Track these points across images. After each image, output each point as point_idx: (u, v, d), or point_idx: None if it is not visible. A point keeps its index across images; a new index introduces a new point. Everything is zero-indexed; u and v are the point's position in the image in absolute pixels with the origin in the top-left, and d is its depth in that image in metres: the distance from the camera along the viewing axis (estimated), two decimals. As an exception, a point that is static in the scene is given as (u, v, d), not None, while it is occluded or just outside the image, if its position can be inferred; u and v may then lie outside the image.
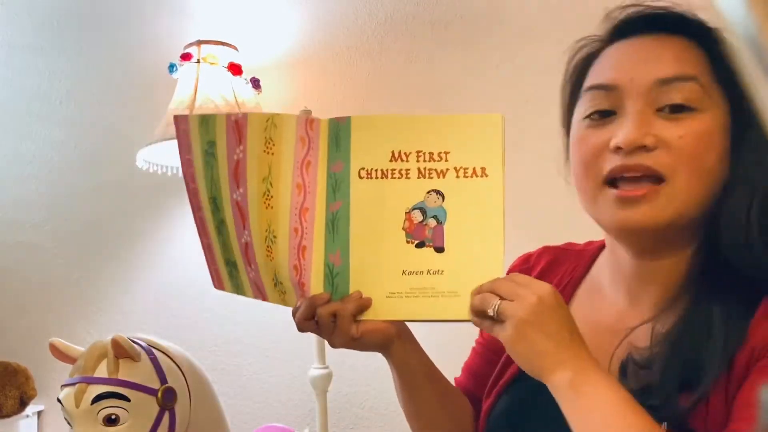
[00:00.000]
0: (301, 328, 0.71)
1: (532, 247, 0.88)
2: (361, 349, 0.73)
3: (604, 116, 0.66)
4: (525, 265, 0.84)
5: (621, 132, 0.62)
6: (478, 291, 0.64)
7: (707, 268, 0.63)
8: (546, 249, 0.85)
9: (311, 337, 1.44)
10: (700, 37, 0.64)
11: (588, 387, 0.57)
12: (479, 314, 0.63)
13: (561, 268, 0.80)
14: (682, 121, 0.61)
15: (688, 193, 0.62)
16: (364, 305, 0.69)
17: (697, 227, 0.65)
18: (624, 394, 0.57)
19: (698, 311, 0.61)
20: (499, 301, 0.61)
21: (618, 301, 0.71)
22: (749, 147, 0.61)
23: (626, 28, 0.68)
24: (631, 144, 0.61)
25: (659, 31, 0.66)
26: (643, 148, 0.61)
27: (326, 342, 0.73)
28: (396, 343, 0.75)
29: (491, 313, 0.61)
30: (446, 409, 0.81)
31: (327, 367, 1.42)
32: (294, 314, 0.71)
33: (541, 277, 0.80)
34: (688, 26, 0.65)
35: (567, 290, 0.77)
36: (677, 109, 0.62)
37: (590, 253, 0.79)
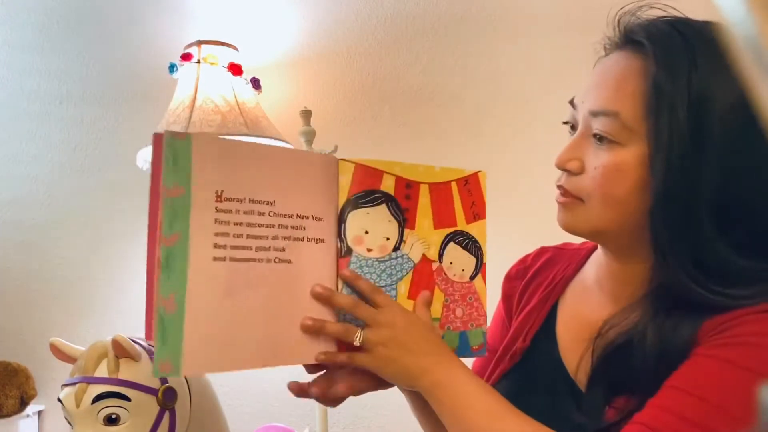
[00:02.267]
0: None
1: (532, 246, 0.89)
2: (379, 389, 0.72)
3: (573, 128, 0.71)
4: (522, 265, 0.87)
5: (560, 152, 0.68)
6: (342, 307, 0.66)
7: (663, 281, 0.64)
8: (543, 249, 0.87)
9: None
10: (662, 58, 0.62)
11: (452, 383, 0.63)
12: (340, 342, 0.66)
13: (556, 266, 0.83)
14: (602, 153, 0.64)
15: (600, 217, 0.65)
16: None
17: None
18: (484, 383, 0.64)
19: (639, 327, 0.63)
20: (361, 332, 0.65)
21: (601, 300, 0.73)
22: (659, 180, 0.61)
23: (615, 43, 0.70)
24: (558, 166, 0.68)
25: (632, 45, 0.66)
26: (569, 171, 0.67)
27: None
28: None
29: (357, 343, 0.65)
30: None
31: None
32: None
33: (537, 274, 0.83)
34: (654, 44, 0.63)
35: (558, 287, 0.79)
36: (601, 139, 0.64)
37: (584, 252, 0.81)
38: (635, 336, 0.62)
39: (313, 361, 0.68)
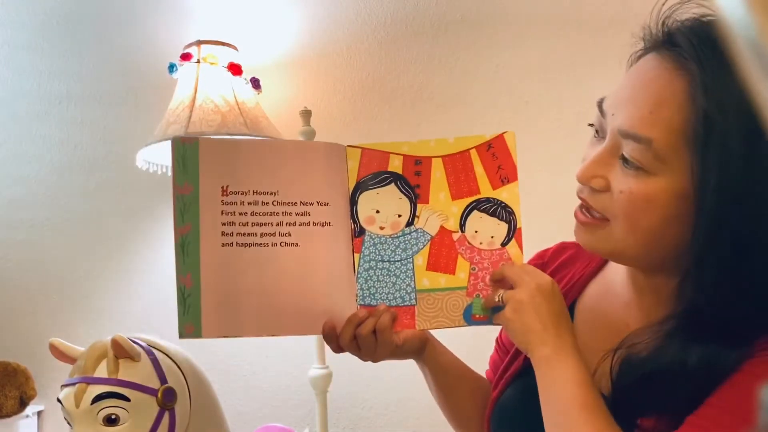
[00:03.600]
0: (341, 350, 0.74)
1: (530, 246, 0.88)
2: (402, 358, 0.77)
3: (599, 134, 0.66)
4: (539, 261, 0.86)
5: (583, 164, 0.65)
6: (493, 276, 0.71)
7: (703, 312, 0.60)
8: (563, 245, 0.86)
9: (311, 337, 1.44)
10: (712, 84, 0.56)
11: (559, 365, 0.63)
12: (488, 307, 0.71)
13: (576, 264, 0.81)
14: (628, 178, 0.60)
15: (625, 241, 0.63)
16: (394, 315, 0.72)
17: (680, 258, 0.62)
18: (588, 380, 0.63)
19: (675, 351, 0.60)
20: (503, 291, 0.69)
21: (624, 301, 0.72)
22: (708, 218, 0.57)
23: (655, 40, 0.63)
24: (580, 181, 0.65)
25: (675, 53, 0.59)
26: (591, 187, 0.64)
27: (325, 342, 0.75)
28: (428, 345, 0.79)
29: (498, 301, 0.69)
30: (479, 405, 0.84)
31: (327, 367, 1.42)
32: (325, 338, 0.73)
33: (557, 271, 0.82)
34: (704, 65, 0.56)
35: (579, 284, 0.78)
36: (628, 163, 0.60)
37: None
38: (672, 360, 0.59)
39: (318, 333, 0.72)
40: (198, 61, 1.43)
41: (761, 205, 0.55)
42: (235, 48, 1.51)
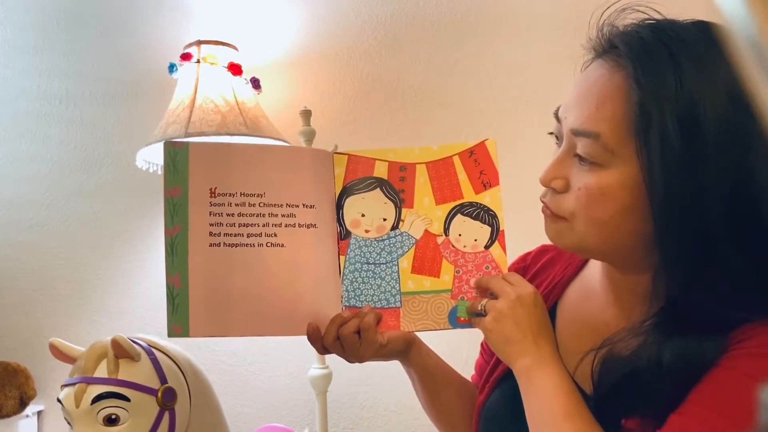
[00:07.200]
0: (326, 351, 0.74)
1: (531, 246, 0.88)
2: (386, 358, 0.77)
3: (559, 140, 0.69)
4: (521, 264, 0.87)
5: (545, 168, 0.67)
6: (477, 285, 0.73)
7: (676, 302, 0.61)
8: (543, 248, 0.87)
9: (311, 337, 1.44)
10: (644, 78, 0.59)
11: (540, 376, 0.65)
12: (472, 313, 0.73)
13: (556, 265, 0.82)
14: (584, 173, 0.63)
15: (587, 234, 0.64)
16: (379, 315, 0.74)
17: (648, 253, 0.62)
18: (570, 387, 0.64)
19: (653, 352, 0.60)
20: (486, 300, 0.70)
21: (603, 301, 0.72)
22: (663, 206, 0.58)
23: (598, 48, 0.67)
24: (542, 183, 0.67)
25: (615, 54, 0.63)
26: (553, 189, 0.66)
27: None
28: (413, 347, 0.80)
29: (480, 310, 0.71)
30: (466, 407, 0.85)
31: (327, 367, 1.42)
32: (309, 339, 0.74)
33: (537, 274, 0.83)
34: (636, 61, 0.60)
35: (559, 286, 0.79)
36: (583, 160, 0.63)
37: None
38: (650, 358, 0.60)
39: (302, 334, 0.73)
40: (198, 61, 1.43)
41: (711, 192, 0.56)
42: (235, 48, 1.51)
